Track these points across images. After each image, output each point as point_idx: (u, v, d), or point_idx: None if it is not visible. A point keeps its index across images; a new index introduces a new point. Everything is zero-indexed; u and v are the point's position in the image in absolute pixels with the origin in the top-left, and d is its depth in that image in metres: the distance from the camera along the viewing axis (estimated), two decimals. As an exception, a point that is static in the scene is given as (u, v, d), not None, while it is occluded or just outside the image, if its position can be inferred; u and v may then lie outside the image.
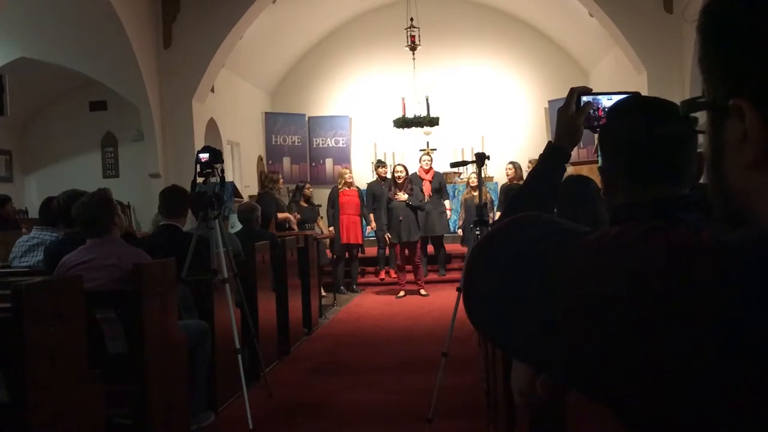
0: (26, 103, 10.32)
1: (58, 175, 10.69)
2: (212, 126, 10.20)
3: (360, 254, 9.79)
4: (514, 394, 0.76)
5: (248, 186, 11.42)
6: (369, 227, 9.44)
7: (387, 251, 9.56)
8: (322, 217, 9.74)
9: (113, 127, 11.29)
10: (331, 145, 13.22)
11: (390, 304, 8.61)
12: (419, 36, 11.38)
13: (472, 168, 8.84)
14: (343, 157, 13.07)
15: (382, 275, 10.04)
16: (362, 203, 9.44)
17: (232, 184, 8.83)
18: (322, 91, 13.35)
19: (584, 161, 9.17)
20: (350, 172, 9.76)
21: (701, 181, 1.41)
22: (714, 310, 0.45)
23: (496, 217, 7.75)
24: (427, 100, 11.53)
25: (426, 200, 9.04)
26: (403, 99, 11.81)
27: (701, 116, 0.67)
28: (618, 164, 1.37)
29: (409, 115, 11.55)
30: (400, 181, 8.64)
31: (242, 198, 9.05)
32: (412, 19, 11.35)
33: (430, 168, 9.60)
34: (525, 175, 8.82)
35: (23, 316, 2.31)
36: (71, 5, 7.96)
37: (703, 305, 0.46)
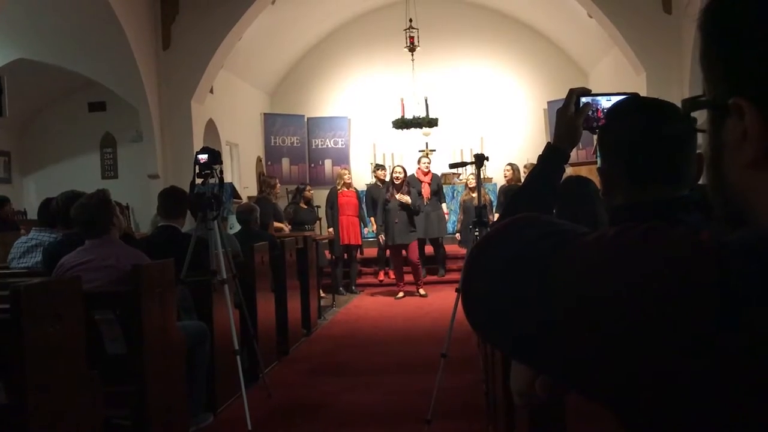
0: (25, 104, 10.31)
1: (56, 176, 10.68)
2: (211, 127, 10.20)
3: (359, 255, 9.79)
4: (514, 395, 0.76)
5: (247, 187, 11.42)
6: (372, 229, 9.43)
7: (387, 252, 9.56)
8: (320, 218, 9.75)
9: (112, 128, 11.29)
10: (330, 146, 13.22)
11: (389, 305, 8.61)
12: (418, 37, 11.38)
13: (471, 169, 8.87)
14: (342, 158, 13.07)
15: (381, 276, 10.04)
16: (361, 205, 9.45)
17: (231, 185, 8.82)
18: (321, 92, 13.36)
19: (583, 162, 9.20)
20: (349, 173, 9.75)
21: (701, 181, 1.42)
22: (713, 311, 0.45)
23: (495, 219, 7.76)
24: (426, 101, 11.54)
25: (425, 203, 9.03)
26: (402, 100, 11.82)
27: (701, 115, 0.67)
28: (617, 165, 1.37)
29: (408, 116, 11.55)
30: (398, 182, 8.62)
31: (241, 199, 9.05)
32: (411, 20, 11.35)
33: (429, 170, 9.58)
34: (523, 176, 8.86)
35: (22, 317, 2.31)
36: (70, 6, 7.96)
37: (703, 305, 0.46)
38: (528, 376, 0.71)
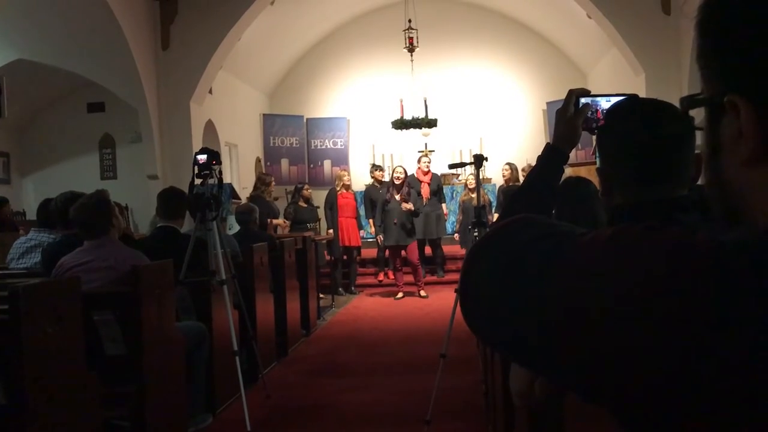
0: (24, 104, 10.31)
1: (55, 177, 10.68)
2: (210, 127, 10.20)
3: (358, 256, 9.80)
4: (513, 395, 0.76)
5: (246, 187, 11.40)
6: (370, 231, 9.43)
7: (386, 253, 9.57)
8: (320, 218, 9.76)
9: (111, 128, 11.29)
10: (329, 146, 13.22)
11: (388, 305, 8.61)
12: (417, 38, 11.39)
13: (470, 170, 8.89)
14: (341, 159, 13.07)
15: (381, 277, 10.05)
16: (358, 207, 9.46)
17: (230, 185, 8.81)
18: (321, 93, 13.36)
19: (582, 162, 9.20)
20: (348, 175, 9.76)
21: (699, 182, 1.42)
22: (710, 310, 0.45)
23: (495, 219, 7.76)
24: (425, 101, 11.54)
25: (424, 203, 9.03)
26: (401, 100, 11.82)
27: (699, 114, 0.67)
28: (616, 165, 1.37)
29: (407, 116, 11.55)
30: (398, 183, 8.62)
31: (240, 200, 9.04)
32: (410, 21, 11.36)
33: (429, 170, 9.58)
34: (521, 176, 8.86)
35: (21, 318, 2.31)
36: (69, 7, 7.95)
37: (700, 305, 0.46)
38: (527, 377, 0.71)
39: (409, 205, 8.47)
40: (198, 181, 4.40)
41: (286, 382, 5.09)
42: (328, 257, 9.19)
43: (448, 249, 10.19)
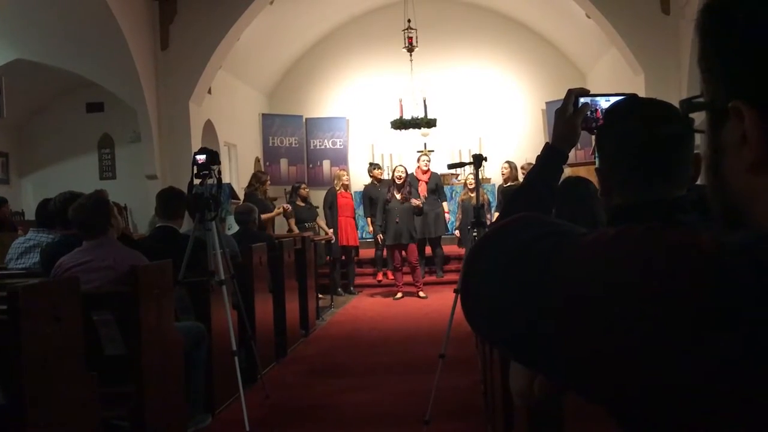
0: (23, 104, 10.30)
1: (54, 177, 10.67)
2: (209, 127, 10.19)
3: (356, 256, 9.80)
4: (513, 395, 0.76)
5: (245, 187, 11.41)
6: (368, 230, 9.43)
7: (384, 253, 9.57)
8: (320, 216, 9.75)
9: (110, 128, 11.28)
10: (328, 146, 13.21)
11: (387, 305, 8.61)
12: (416, 37, 11.38)
13: (469, 169, 8.88)
14: (340, 159, 13.07)
15: (380, 277, 10.05)
16: (356, 208, 9.47)
17: (229, 185, 8.80)
18: (320, 93, 13.35)
19: (582, 162, 9.21)
20: (347, 174, 9.77)
21: (698, 182, 1.42)
22: (712, 311, 0.45)
23: (494, 219, 7.76)
24: (424, 101, 11.54)
25: (422, 202, 9.04)
26: (400, 100, 11.81)
27: (699, 116, 0.67)
28: (615, 165, 1.37)
29: (407, 116, 11.54)
30: (399, 182, 8.63)
31: (239, 200, 9.03)
32: (409, 21, 11.35)
33: (428, 169, 9.60)
34: (520, 175, 8.86)
35: (20, 318, 2.31)
36: (68, 7, 7.95)
37: (701, 306, 0.46)
38: (527, 376, 0.71)
39: (419, 201, 8.50)
40: (197, 181, 4.40)
41: (285, 383, 5.09)
42: (327, 257, 9.19)
43: (447, 249, 10.20)
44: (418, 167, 9.62)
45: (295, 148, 13.05)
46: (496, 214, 8.61)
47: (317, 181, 12.63)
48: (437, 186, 9.57)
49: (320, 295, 8.21)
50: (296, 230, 8.71)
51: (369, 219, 9.17)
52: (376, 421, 4.18)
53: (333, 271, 9.33)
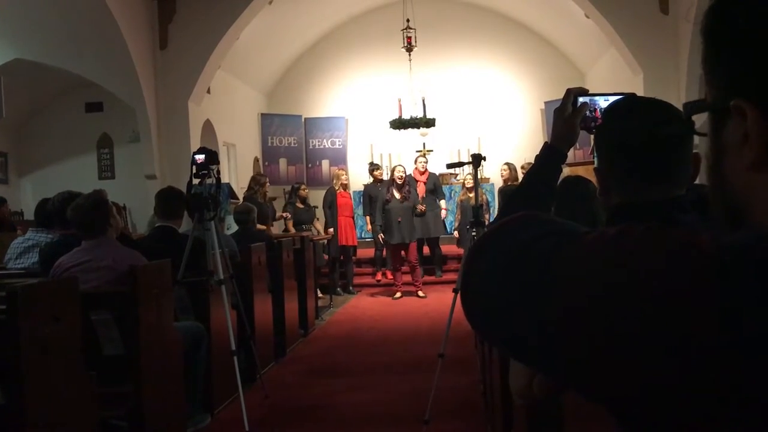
0: (22, 104, 10.29)
1: (53, 177, 10.66)
2: (208, 127, 10.19)
3: (354, 256, 9.81)
4: (512, 393, 0.76)
5: (244, 187, 11.36)
6: (367, 229, 9.44)
7: (384, 253, 9.58)
8: (318, 219, 9.75)
9: (109, 128, 11.27)
10: (327, 146, 13.21)
11: (386, 305, 8.61)
12: (415, 37, 11.38)
13: (468, 169, 8.88)
14: (339, 159, 13.07)
15: (379, 276, 10.05)
16: (355, 207, 9.48)
17: (228, 185, 8.81)
18: (319, 93, 13.35)
19: (580, 162, 9.20)
20: (346, 174, 9.78)
21: (697, 181, 1.42)
22: (713, 311, 0.45)
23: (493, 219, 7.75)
24: (423, 101, 11.54)
25: (420, 202, 9.04)
26: (399, 100, 11.82)
27: (700, 118, 0.67)
28: (614, 165, 1.37)
29: (406, 116, 11.55)
30: (400, 182, 8.65)
31: (238, 199, 9.03)
32: (408, 21, 11.36)
33: (425, 170, 9.61)
34: (520, 175, 8.86)
35: (19, 318, 2.30)
36: (67, 7, 7.94)
37: (702, 306, 0.46)
38: (526, 375, 0.71)
39: (423, 207, 8.52)
40: (196, 181, 4.39)
41: (284, 382, 5.09)
42: (326, 257, 9.19)
43: (446, 249, 10.20)
44: (416, 168, 9.63)
45: (294, 147, 13.05)
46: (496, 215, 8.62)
47: (316, 181, 12.63)
48: (435, 186, 9.57)
49: (319, 295, 8.21)
50: (293, 231, 8.72)
51: (367, 218, 9.17)
52: (375, 420, 4.18)
53: (332, 270, 9.33)
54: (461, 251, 9.15)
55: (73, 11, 8.01)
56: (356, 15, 13.01)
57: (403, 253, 8.76)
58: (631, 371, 0.49)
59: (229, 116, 11.11)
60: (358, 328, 7.19)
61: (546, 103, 12.03)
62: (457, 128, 12.46)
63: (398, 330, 6.98)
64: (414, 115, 11.46)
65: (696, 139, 1.37)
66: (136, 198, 9.84)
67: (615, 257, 0.52)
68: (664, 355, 0.47)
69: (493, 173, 10.93)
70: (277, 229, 9.27)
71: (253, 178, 8.95)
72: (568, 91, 1.48)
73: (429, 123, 11.46)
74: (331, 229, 9.26)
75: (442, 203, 9.68)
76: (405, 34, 11.37)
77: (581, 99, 1.46)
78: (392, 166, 9.49)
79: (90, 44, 8.44)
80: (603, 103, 1.46)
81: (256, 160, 12.52)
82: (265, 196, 8.72)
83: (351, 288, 9.61)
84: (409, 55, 11.49)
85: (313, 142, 13.20)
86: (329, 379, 5.16)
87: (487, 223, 5.07)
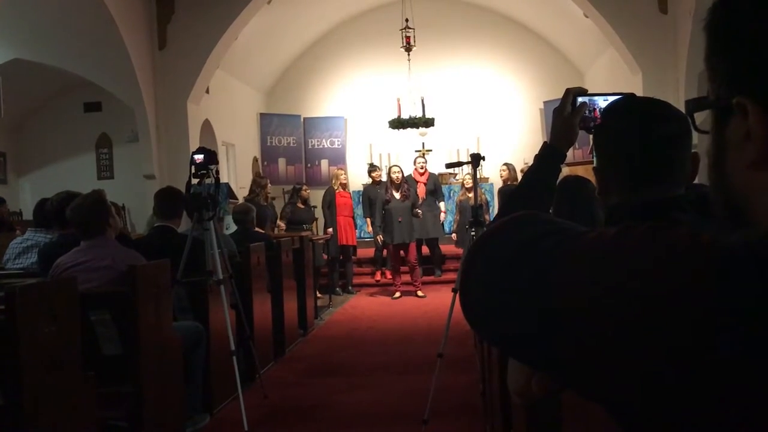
0: (21, 104, 10.28)
1: (52, 177, 10.65)
2: (207, 127, 10.18)
3: (353, 255, 9.81)
4: (511, 393, 0.76)
5: (243, 187, 11.39)
6: (367, 230, 9.43)
7: (384, 252, 9.58)
8: (317, 218, 9.76)
9: (108, 128, 11.26)
10: (326, 146, 13.21)
11: (385, 305, 8.61)
12: (414, 37, 11.37)
13: (467, 169, 8.88)
14: (338, 158, 13.07)
15: (378, 276, 10.05)
16: (355, 207, 9.48)
17: (227, 185, 8.81)
18: (318, 92, 13.35)
19: (579, 162, 9.20)
20: (345, 174, 9.78)
21: (696, 181, 1.42)
22: (714, 311, 0.45)
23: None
24: (422, 101, 11.54)
25: (420, 202, 9.04)
26: (398, 100, 11.81)
27: (702, 117, 0.67)
28: (613, 164, 1.38)
29: (405, 116, 11.54)
30: (397, 182, 8.64)
31: (237, 199, 9.04)
32: (407, 20, 11.35)
33: (425, 170, 9.60)
34: (519, 175, 8.86)
35: (17, 318, 2.30)
36: (66, 7, 7.94)
37: (703, 305, 0.46)
38: (525, 374, 0.71)
39: (420, 212, 8.53)
40: (195, 181, 4.39)
41: (283, 382, 5.09)
42: (325, 257, 9.19)
43: (445, 249, 10.20)
44: (415, 169, 9.62)
45: (293, 147, 13.05)
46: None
47: (315, 181, 12.63)
48: (436, 187, 9.56)
49: (318, 295, 8.21)
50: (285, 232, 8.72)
51: (368, 220, 9.17)
52: (374, 420, 4.18)
53: (331, 270, 9.33)
54: (460, 251, 9.15)
55: (71, 11, 8.00)
56: (355, 15, 13.01)
57: (402, 253, 8.77)
58: (630, 371, 0.49)
59: (228, 116, 11.11)
60: (358, 327, 7.19)
61: (545, 102, 12.03)
62: (456, 128, 12.46)
63: (397, 330, 6.98)
64: (413, 115, 11.46)
65: (695, 138, 1.37)
66: (135, 198, 9.83)
67: (615, 257, 0.52)
68: (663, 355, 0.47)
69: (492, 173, 10.93)
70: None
71: (253, 181, 8.95)
72: (567, 91, 1.48)
73: (428, 123, 11.46)
74: (330, 229, 9.26)
75: (442, 205, 9.68)
76: (404, 33, 11.37)
77: (580, 99, 1.47)
78: (389, 167, 9.48)
79: (89, 44, 8.44)
80: (602, 102, 1.46)
81: (255, 159, 12.52)
82: (266, 198, 8.73)
83: (350, 288, 9.61)
84: (408, 54, 11.48)
85: (312, 142, 13.19)
86: (328, 379, 5.16)
87: (486, 222, 5.06)
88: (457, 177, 11.60)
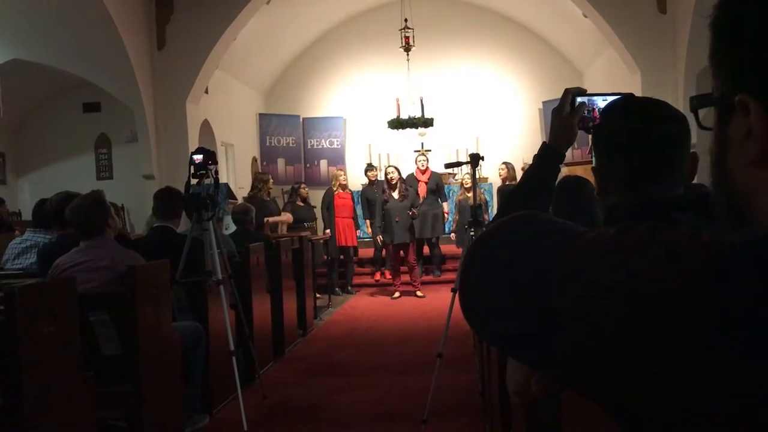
0: (20, 104, 10.27)
1: (51, 177, 10.64)
2: (206, 127, 10.18)
3: (355, 256, 9.80)
4: (510, 392, 0.76)
5: (242, 187, 11.39)
6: (367, 231, 9.43)
7: (383, 252, 9.57)
8: (317, 218, 9.76)
9: (107, 128, 11.25)
10: (325, 146, 13.21)
11: (385, 305, 8.61)
12: (413, 37, 11.37)
13: (466, 169, 8.89)
14: (337, 159, 13.06)
15: (377, 276, 10.05)
16: (355, 207, 9.47)
17: (227, 185, 8.81)
18: (317, 92, 13.34)
19: (578, 162, 9.20)
20: (344, 174, 9.78)
21: (695, 180, 1.42)
22: (713, 310, 0.45)
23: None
24: (421, 101, 11.53)
25: (420, 202, 9.04)
26: (397, 100, 11.81)
27: (705, 114, 0.67)
28: (612, 164, 1.38)
29: (404, 116, 11.54)
30: (393, 182, 8.64)
31: (236, 199, 9.04)
32: (406, 20, 11.35)
33: (427, 168, 9.59)
34: (519, 175, 8.86)
35: (17, 319, 2.30)
36: (65, 7, 7.93)
37: (702, 305, 0.46)
38: (524, 374, 0.71)
39: (415, 211, 8.53)
40: (194, 181, 4.39)
41: (282, 382, 5.09)
42: (325, 257, 9.19)
43: (445, 248, 10.20)
44: (417, 168, 9.62)
45: (292, 147, 13.05)
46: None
47: (314, 181, 12.62)
48: (437, 186, 9.55)
49: (318, 295, 8.21)
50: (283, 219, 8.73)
51: (367, 221, 9.16)
52: (374, 420, 4.18)
53: (331, 270, 9.33)
54: (460, 251, 9.15)
55: (70, 12, 8.00)
56: (354, 15, 13.00)
57: (402, 253, 8.76)
58: (630, 371, 0.49)
59: (227, 116, 11.11)
60: (357, 328, 7.19)
61: (544, 102, 12.03)
62: (455, 128, 12.46)
63: (397, 330, 6.98)
64: (412, 115, 11.45)
65: (694, 138, 1.38)
66: (134, 198, 9.83)
67: (614, 257, 0.52)
68: (662, 355, 0.47)
69: (492, 173, 10.93)
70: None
71: (256, 177, 8.95)
72: (566, 91, 1.48)
73: (427, 123, 11.45)
74: (328, 231, 9.26)
75: (445, 205, 9.68)
76: (403, 33, 11.36)
77: (579, 99, 1.47)
78: (385, 167, 9.48)
79: (88, 45, 8.43)
80: (601, 102, 1.46)
81: (255, 160, 12.52)
82: (269, 194, 8.74)
83: (350, 288, 9.61)
84: (407, 54, 11.48)
85: (311, 142, 13.19)
86: (328, 379, 5.16)
87: (485, 222, 5.07)
88: (456, 177, 11.60)
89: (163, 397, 3.49)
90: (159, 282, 3.54)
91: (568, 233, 0.59)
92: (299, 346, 6.38)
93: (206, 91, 9.86)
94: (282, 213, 8.99)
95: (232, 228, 6.38)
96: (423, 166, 9.57)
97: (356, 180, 11.60)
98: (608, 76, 10.62)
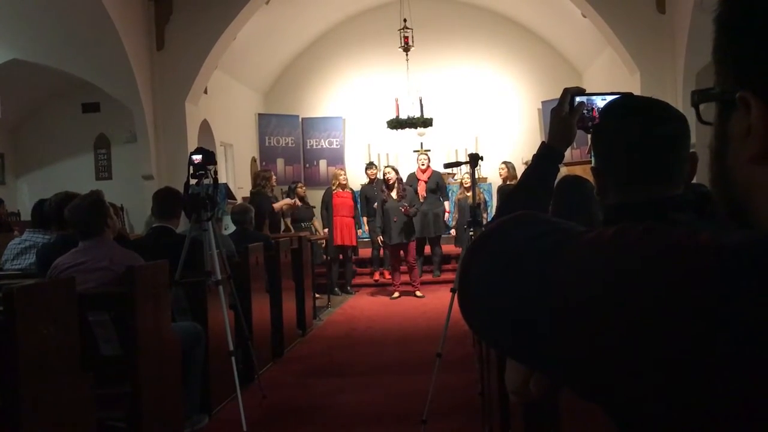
0: (19, 105, 10.27)
1: (50, 177, 10.64)
2: (205, 127, 10.18)
3: (354, 256, 9.80)
4: (509, 392, 0.76)
5: (242, 187, 11.40)
6: (365, 230, 9.43)
7: (381, 252, 9.57)
8: (316, 217, 9.76)
9: (106, 128, 11.24)
10: (324, 146, 13.21)
11: (384, 305, 8.61)
12: (412, 37, 11.38)
13: (465, 169, 8.89)
14: (336, 159, 13.07)
15: (377, 276, 10.05)
16: (356, 206, 9.47)
17: (226, 185, 8.80)
18: (316, 92, 13.34)
19: (577, 161, 9.20)
20: (344, 174, 9.77)
21: (694, 180, 1.42)
22: (713, 311, 0.45)
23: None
24: (420, 101, 11.54)
25: (421, 201, 9.03)
26: (396, 100, 11.81)
27: (707, 111, 0.66)
28: (611, 164, 1.37)
29: (403, 116, 11.54)
30: (390, 182, 8.63)
31: (235, 200, 9.03)
32: (405, 20, 11.35)
33: (428, 167, 9.59)
34: (519, 174, 8.86)
35: (16, 319, 2.30)
36: (64, 7, 7.93)
37: (701, 305, 0.46)
38: (523, 373, 0.71)
39: (408, 208, 8.52)
40: (193, 182, 4.39)
41: (282, 383, 5.09)
42: (325, 257, 9.18)
43: (446, 248, 10.20)
44: (418, 167, 9.63)
45: (291, 147, 13.05)
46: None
47: (314, 181, 12.63)
48: (438, 185, 9.55)
49: (317, 295, 8.21)
50: (292, 230, 8.72)
51: (365, 219, 9.16)
52: (373, 420, 4.18)
53: (330, 270, 9.32)
54: (460, 250, 9.15)
55: (70, 12, 8.00)
56: (353, 15, 13.00)
57: (401, 252, 8.76)
58: (629, 371, 0.49)
59: (226, 116, 11.11)
60: (356, 328, 7.19)
61: (543, 102, 12.03)
62: (455, 128, 12.46)
63: (396, 330, 6.98)
64: (411, 115, 11.45)
65: (694, 137, 1.37)
66: (134, 198, 9.82)
67: (613, 257, 0.52)
68: (661, 356, 0.47)
69: (491, 172, 10.94)
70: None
71: (258, 174, 8.95)
72: (566, 91, 1.48)
73: (426, 123, 11.45)
74: (326, 230, 9.25)
75: (446, 205, 9.68)
76: (402, 33, 11.36)
77: (578, 98, 1.47)
78: (384, 167, 9.49)
79: (87, 45, 8.43)
80: (600, 102, 1.46)
81: (254, 160, 12.52)
82: (272, 190, 8.74)
83: (349, 288, 9.60)
84: (406, 54, 11.48)
85: (310, 142, 13.20)
86: (327, 379, 5.15)
87: (484, 222, 5.06)
88: (455, 177, 11.61)
89: (163, 398, 3.49)
90: (158, 282, 3.54)
91: (567, 233, 0.59)
92: (298, 346, 6.38)
93: (205, 92, 9.86)
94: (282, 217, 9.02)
95: (232, 228, 6.38)
96: (424, 165, 9.57)
97: (356, 180, 11.60)
98: (607, 76, 10.63)
